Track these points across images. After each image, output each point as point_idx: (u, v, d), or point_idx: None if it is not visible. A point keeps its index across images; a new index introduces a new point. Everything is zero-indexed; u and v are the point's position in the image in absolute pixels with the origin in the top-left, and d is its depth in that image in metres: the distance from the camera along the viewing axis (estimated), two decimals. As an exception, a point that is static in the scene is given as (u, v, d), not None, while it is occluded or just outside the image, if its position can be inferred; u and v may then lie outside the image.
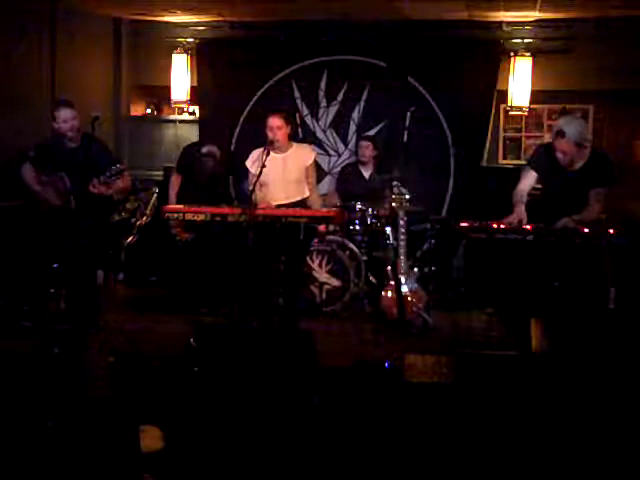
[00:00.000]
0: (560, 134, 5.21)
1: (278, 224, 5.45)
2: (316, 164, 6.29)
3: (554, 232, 5.14)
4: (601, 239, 5.05)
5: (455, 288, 6.95)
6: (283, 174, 5.86)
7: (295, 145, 6.03)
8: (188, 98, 8.56)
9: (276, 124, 5.78)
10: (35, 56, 7.21)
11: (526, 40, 7.92)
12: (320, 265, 6.71)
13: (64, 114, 5.52)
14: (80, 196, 5.57)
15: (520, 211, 5.29)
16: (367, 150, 7.44)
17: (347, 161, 8.13)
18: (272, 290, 5.70)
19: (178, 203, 6.77)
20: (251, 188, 5.53)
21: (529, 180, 5.45)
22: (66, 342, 5.17)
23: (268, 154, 5.57)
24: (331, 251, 6.69)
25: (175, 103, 8.61)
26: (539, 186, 5.58)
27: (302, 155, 5.95)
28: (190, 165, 7.03)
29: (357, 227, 6.96)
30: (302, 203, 5.93)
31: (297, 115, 8.22)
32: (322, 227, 6.17)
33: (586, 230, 5.07)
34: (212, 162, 6.92)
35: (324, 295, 6.71)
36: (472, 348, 5.36)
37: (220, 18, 8.17)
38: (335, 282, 6.69)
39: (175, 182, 7.08)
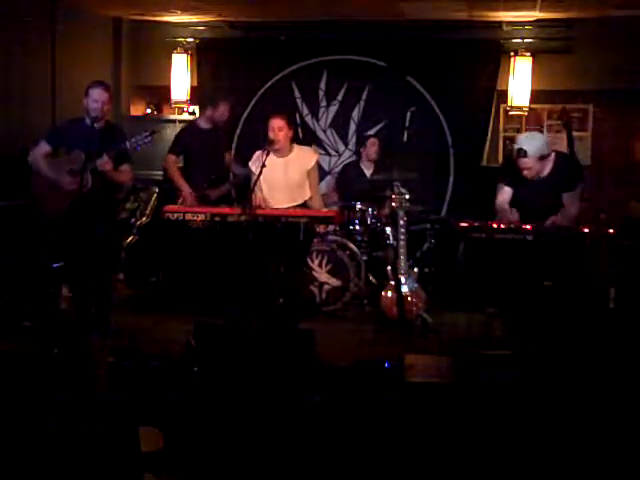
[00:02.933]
0: (522, 153, 5.30)
1: (278, 224, 5.45)
2: (318, 166, 6.30)
3: (554, 232, 5.15)
4: (601, 239, 5.05)
5: (455, 288, 6.95)
6: (285, 177, 5.87)
7: (297, 148, 6.02)
8: (188, 98, 8.57)
9: (277, 125, 5.79)
10: (35, 56, 7.21)
11: (526, 40, 7.93)
12: (320, 265, 6.70)
13: (97, 93, 5.46)
14: (95, 177, 5.48)
15: (510, 218, 5.35)
16: (375, 147, 7.41)
17: (347, 160, 8.13)
18: (272, 290, 5.69)
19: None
20: (251, 189, 5.54)
21: (505, 195, 5.56)
22: (66, 342, 5.17)
23: (268, 154, 5.57)
24: (331, 251, 6.68)
25: (175, 103, 8.61)
26: None
27: (304, 158, 5.95)
28: (189, 145, 6.94)
29: (357, 227, 6.96)
30: (304, 205, 5.93)
31: (297, 115, 8.23)
32: (321, 227, 6.16)
33: (586, 230, 5.07)
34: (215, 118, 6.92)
35: (324, 295, 6.71)
36: (472, 348, 5.35)
37: (220, 18, 8.17)
38: (335, 282, 6.69)
39: (173, 164, 6.91)
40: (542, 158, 5.35)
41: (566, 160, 5.54)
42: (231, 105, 7.06)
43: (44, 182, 5.61)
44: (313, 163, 5.96)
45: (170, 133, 8.48)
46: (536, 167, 5.35)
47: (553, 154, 5.47)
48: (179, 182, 6.81)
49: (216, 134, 6.96)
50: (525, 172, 5.36)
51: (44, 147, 5.61)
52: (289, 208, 5.81)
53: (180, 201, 6.74)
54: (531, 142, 5.38)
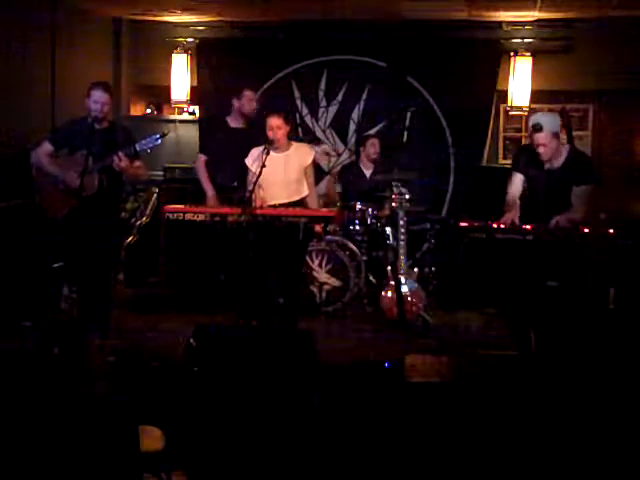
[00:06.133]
0: (537, 128, 5.23)
1: (277, 224, 5.45)
2: (315, 164, 6.29)
3: (554, 232, 5.14)
4: (601, 239, 5.05)
5: (455, 288, 6.95)
6: (284, 173, 5.87)
7: (295, 144, 6.03)
8: (188, 98, 8.57)
9: (276, 124, 5.79)
10: (35, 56, 7.21)
11: (526, 40, 7.94)
12: (320, 265, 6.70)
13: (97, 95, 5.47)
14: (102, 177, 5.45)
15: (513, 215, 5.29)
16: (374, 148, 7.39)
17: (346, 161, 8.14)
18: (272, 290, 5.69)
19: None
20: (250, 187, 5.53)
21: (517, 184, 5.46)
22: (66, 342, 5.17)
23: (268, 153, 5.57)
24: (331, 251, 6.68)
25: (175, 103, 8.62)
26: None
27: (302, 154, 5.96)
28: (217, 145, 6.63)
29: (357, 227, 6.96)
30: (301, 202, 5.93)
31: (297, 115, 8.23)
32: (318, 228, 6.14)
33: (586, 230, 5.07)
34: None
35: (324, 295, 6.70)
36: (472, 348, 5.36)
37: (220, 18, 8.18)
38: (335, 282, 6.69)
39: (204, 166, 6.57)
40: (556, 137, 5.29)
41: (581, 156, 5.48)
42: (255, 93, 6.71)
43: (49, 183, 5.60)
44: (311, 160, 5.97)
45: (170, 134, 8.47)
46: (551, 145, 5.26)
47: (567, 148, 5.40)
48: (206, 185, 6.53)
49: (249, 134, 6.43)
50: (540, 149, 5.24)
51: (47, 147, 5.60)
52: (287, 205, 5.80)
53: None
54: (546, 118, 5.32)
